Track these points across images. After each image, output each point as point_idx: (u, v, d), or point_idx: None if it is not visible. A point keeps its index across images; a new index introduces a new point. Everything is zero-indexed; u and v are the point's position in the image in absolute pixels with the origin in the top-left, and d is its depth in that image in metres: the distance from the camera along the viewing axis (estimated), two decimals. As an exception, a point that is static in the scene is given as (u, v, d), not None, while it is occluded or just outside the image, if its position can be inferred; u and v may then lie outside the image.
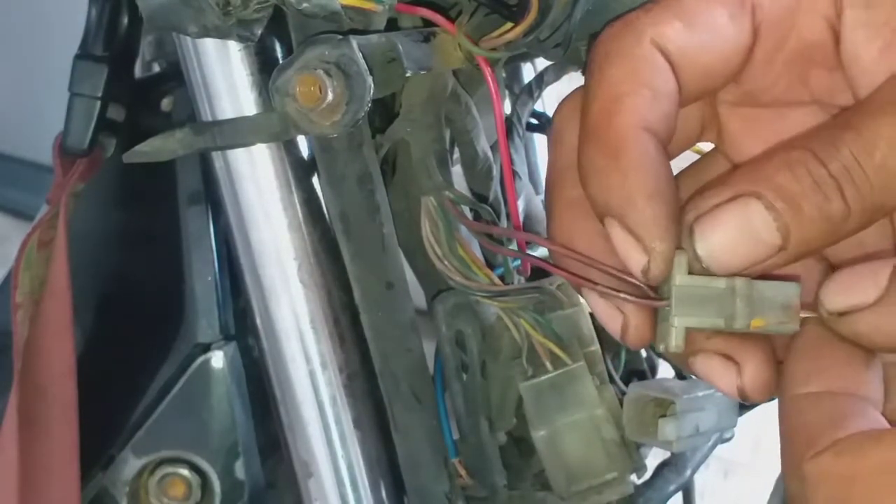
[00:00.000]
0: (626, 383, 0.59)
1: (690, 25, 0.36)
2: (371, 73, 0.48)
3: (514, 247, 0.57)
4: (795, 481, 0.30)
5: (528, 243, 0.58)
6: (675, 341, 0.36)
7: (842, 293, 0.33)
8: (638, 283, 0.36)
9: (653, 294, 0.37)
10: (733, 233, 0.33)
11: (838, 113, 0.37)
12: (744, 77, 0.38)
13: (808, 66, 0.37)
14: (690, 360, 0.38)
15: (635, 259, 0.35)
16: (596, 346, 0.57)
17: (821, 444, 0.30)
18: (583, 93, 0.37)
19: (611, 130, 0.35)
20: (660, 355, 0.66)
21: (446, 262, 0.52)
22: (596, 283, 0.38)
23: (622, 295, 0.36)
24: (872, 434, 0.30)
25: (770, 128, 0.39)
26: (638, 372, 0.66)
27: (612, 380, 0.58)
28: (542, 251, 0.64)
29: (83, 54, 0.61)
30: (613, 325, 0.38)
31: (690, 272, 0.35)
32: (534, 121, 0.77)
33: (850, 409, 0.32)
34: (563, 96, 0.41)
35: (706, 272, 0.34)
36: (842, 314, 0.33)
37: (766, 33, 0.36)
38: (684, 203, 0.35)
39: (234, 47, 0.54)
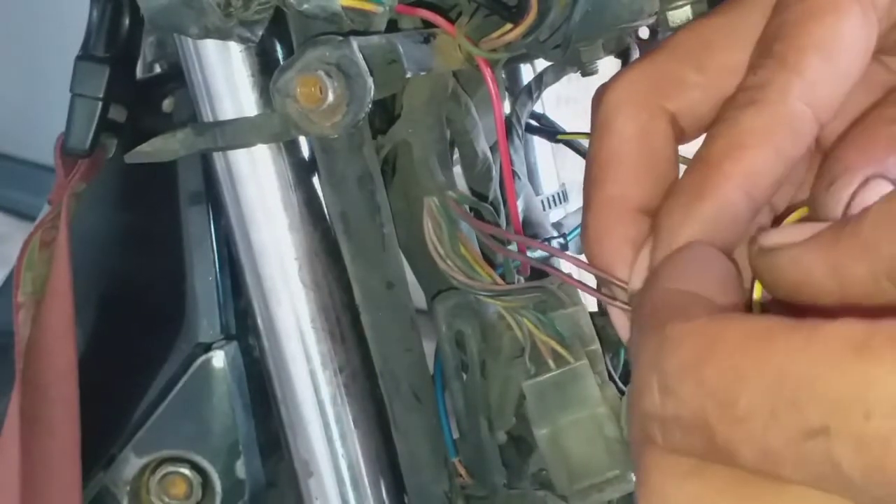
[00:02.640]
0: (626, 383, 0.59)
1: (830, 57, 0.34)
2: (371, 75, 0.49)
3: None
4: (651, 346, 0.29)
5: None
6: None
7: (779, 233, 0.32)
8: None
9: None
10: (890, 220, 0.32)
11: None
12: None
13: None
14: None
15: (623, 273, 0.35)
16: (597, 345, 0.57)
17: (689, 315, 0.29)
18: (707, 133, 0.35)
19: (713, 175, 0.34)
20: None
21: (449, 262, 0.53)
22: (601, 292, 0.37)
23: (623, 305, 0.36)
24: (748, 313, 0.30)
25: None
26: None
27: (611, 379, 0.58)
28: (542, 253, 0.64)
29: (85, 55, 0.61)
30: (623, 332, 0.38)
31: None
32: (532, 122, 0.77)
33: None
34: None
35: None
36: (770, 250, 0.32)
37: (882, 21, 0.35)
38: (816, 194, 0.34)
39: (235, 48, 0.54)
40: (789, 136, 0.34)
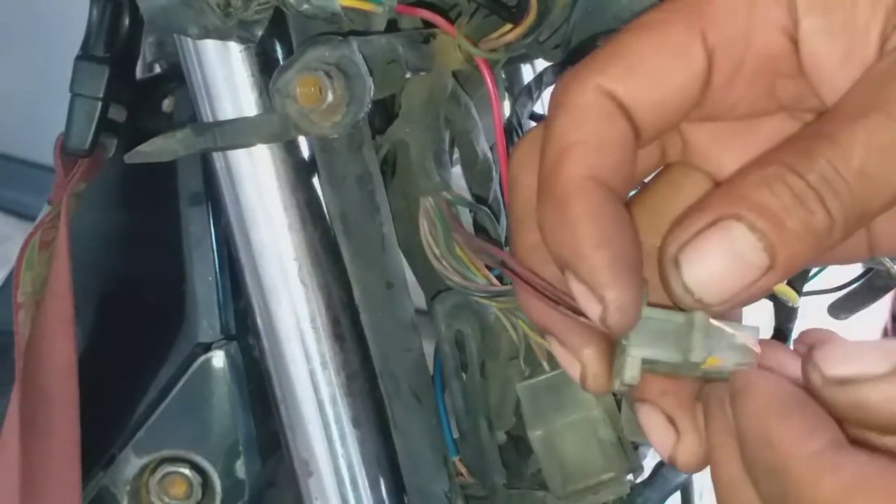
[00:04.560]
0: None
1: (635, 66, 0.35)
2: (371, 75, 0.49)
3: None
4: None
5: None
6: (629, 372, 0.35)
7: (846, 361, 0.31)
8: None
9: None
10: (720, 260, 0.32)
11: (808, 123, 0.37)
12: (705, 100, 0.36)
13: (771, 77, 0.36)
14: (639, 404, 0.37)
15: (592, 309, 0.34)
16: (594, 346, 0.57)
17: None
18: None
19: (558, 183, 0.34)
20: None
21: (444, 263, 0.53)
22: (556, 306, 0.37)
23: (581, 318, 0.35)
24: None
25: (741, 140, 0.38)
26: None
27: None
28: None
29: (84, 55, 0.61)
30: (573, 372, 0.37)
31: (681, 306, 0.34)
32: (533, 123, 0.77)
33: None
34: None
35: (700, 304, 0.33)
36: (842, 382, 0.31)
37: (722, 55, 0.35)
38: (669, 229, 0.34)
39: (234, 48, 0.54)
40: (600, 121, 0.35)
